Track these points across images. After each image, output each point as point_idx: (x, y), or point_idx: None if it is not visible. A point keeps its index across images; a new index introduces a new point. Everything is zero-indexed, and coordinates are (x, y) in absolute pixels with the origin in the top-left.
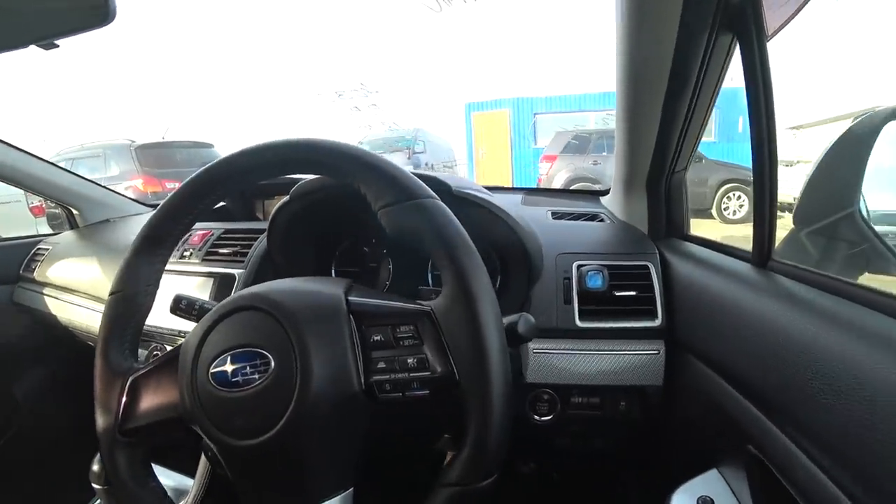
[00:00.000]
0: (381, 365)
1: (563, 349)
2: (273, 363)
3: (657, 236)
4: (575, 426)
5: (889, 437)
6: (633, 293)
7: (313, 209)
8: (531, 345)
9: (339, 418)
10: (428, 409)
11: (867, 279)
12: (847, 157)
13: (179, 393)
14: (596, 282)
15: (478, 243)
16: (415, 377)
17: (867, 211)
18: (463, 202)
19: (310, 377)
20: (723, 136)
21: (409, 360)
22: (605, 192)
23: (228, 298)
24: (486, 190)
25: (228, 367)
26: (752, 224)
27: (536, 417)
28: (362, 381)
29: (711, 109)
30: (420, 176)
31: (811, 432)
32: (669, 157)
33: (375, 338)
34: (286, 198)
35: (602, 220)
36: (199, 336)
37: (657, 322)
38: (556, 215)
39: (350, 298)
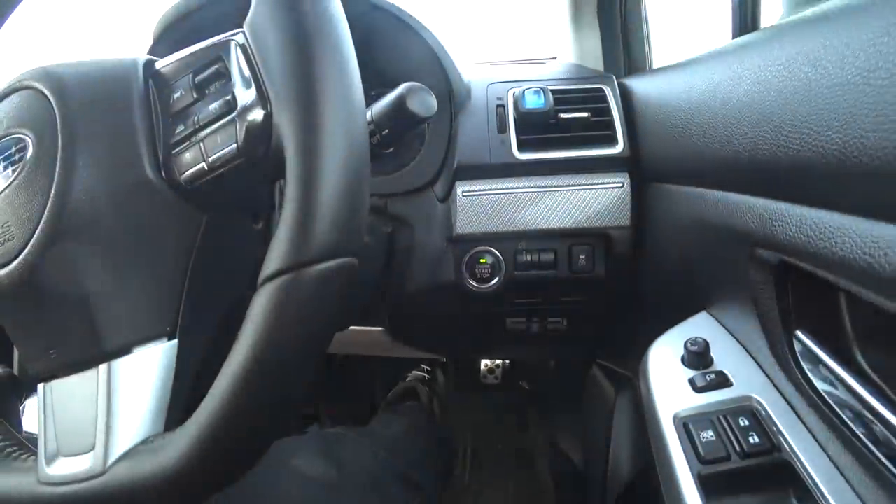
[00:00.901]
0: (181, 129)
1: (502, 189)
2: (31, 148)
3: (616, 75)
4: (525, 294)
5: None
6: (584, 115)
7: None
8: (460, 187)
9: (132, 224)
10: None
11: None
12: None
13: None
14: (537, 102)
15: (381, 58)
16: (218, 129)
17: None
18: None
19: (75, 160)
20: None
21: (213, 107)
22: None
23: None
24: None
25: None
26: None
27: (475, 284)
28: (159, 160)
29: None
30: None
31: (837, 180)
32: None
33: (175, 96)
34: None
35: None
36: None
37: (618, 149)
38: (497, 63)
39: (156, 63)
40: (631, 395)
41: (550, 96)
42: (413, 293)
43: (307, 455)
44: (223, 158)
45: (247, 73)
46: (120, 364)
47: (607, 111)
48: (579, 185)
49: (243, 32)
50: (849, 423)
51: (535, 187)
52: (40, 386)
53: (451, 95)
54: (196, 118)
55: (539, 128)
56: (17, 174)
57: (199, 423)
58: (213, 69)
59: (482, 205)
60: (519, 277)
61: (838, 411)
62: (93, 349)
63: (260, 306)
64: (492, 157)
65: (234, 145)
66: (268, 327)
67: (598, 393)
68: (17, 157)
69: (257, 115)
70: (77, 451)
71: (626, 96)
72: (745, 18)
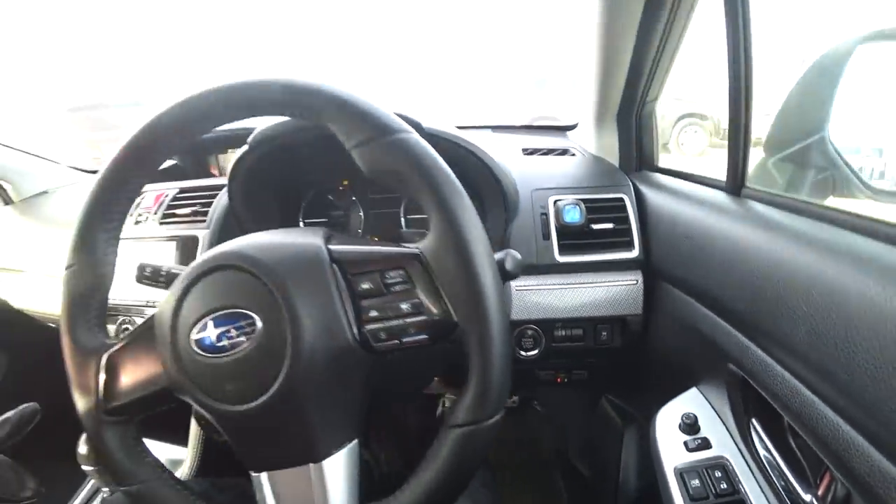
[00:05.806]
0: (374, 314)
1: (545, 285)
2: (259, 323)
3: (628, 169)
4: (559, 358)
5: (846, 338)
6: (610, 226)
7: (274, 157)
8: (514, 283)
9: (337, 373)
10: (424, 354)
11: (833, 202)
12: (817, 84)
13: (162, 364)
14: (574, 216)
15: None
16: (410, 323)
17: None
18: (435, 140)
19: (301, 333)
20: None
21: (403, 306)
22: (572, 127)
23: (199, 259)
24: (455, 128)
25: (212, 332)
26: (709, 157)
27: (523, 353)
28: (355, 331)
29: (685, 33)
30: None
31: (786, 345)
32: (641, 86)
33: (364, 286)
34: (245, 147)
35: (573, 155)
36: (174, 302)
37: (634, 253)
38: (527, 151)
39: (331, 247)
40: (637, 428)
41: (584, 210)
42: None
43: None
44: (415, 342)
45: (430, 287)
46: (326, 464)
47: (626, 220)
48: (604, 282)
49: (421, 253)
50: (776, 479)
51: (570, 284)
52: (262, 475)
53: (508, 212)
54: (388, 311)
55: (575, 235)
56: (252, 341)
57: None
58: (398, 274)
59: (530, 296)
60: (555, 348)
61: (769, 472)
62: (305, 455)
63: (450, 445)
64: (538, 259)
65: (426, 336)
66: (452, 467)
67: (607, 422)
68: (248, 329)
69: (446, 322)
70: None
71: (640, 203)
72: (737, 174)
